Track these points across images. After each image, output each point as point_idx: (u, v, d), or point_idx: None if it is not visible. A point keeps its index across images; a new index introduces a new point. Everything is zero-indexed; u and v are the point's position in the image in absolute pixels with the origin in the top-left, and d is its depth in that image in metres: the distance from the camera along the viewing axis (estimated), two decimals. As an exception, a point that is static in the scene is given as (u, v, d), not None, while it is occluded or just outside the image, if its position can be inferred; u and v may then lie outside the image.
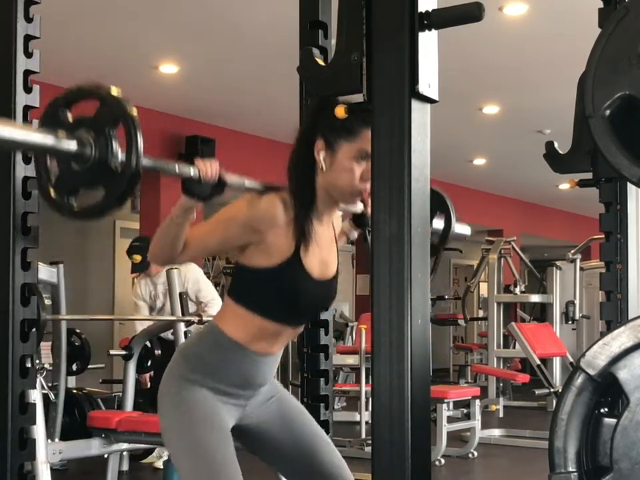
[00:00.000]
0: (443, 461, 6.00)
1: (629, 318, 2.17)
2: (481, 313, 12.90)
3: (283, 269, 2.02)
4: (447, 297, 12.69)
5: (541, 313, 10.75)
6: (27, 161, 2.47)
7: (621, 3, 2.28)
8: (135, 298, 5.83)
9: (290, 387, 7.11)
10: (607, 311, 2.52)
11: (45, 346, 4.84)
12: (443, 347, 13.39)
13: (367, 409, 6.66)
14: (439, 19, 1.50)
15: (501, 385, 8.79)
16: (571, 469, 1.39)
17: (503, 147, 9.76)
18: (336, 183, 2.03)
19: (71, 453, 4.16)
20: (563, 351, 8.05)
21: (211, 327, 2.12)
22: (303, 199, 2.03)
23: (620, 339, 1.37)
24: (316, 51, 1.62)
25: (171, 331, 5.09)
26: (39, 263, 2.88)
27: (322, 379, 2.95)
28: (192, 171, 2.02)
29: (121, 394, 5.00)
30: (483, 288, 11.65)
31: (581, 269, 8.80)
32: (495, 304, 9.13)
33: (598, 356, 1.38)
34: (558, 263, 9.26)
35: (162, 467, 4.89)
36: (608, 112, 1.40)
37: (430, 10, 1.50)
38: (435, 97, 1.53)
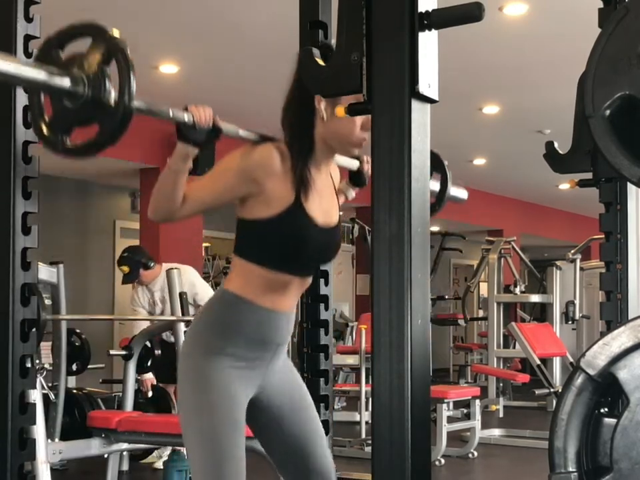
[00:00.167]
0: (442, 460, 6.00)
1: (629, 318, 2.17)
2: (481, 313, 12.90)
3: (285, 217, 2.02)
4: (447, 296, 12.69)
5: (541, 313, 10.75)
6: (26, 160, 2.47)
7: (621, 3, 2.28)
8: (134, 306, 5.83)
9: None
10: (607, 311, 2.52)
11: (45, 346, 4.84)
12: (443, 347, 13.40)
13: (367, 409, 6.66)
14: (439, 19, 1.50)
15: (501, 385, 8.79)
16: (570, 469, 1.39)
17: (503, 146, 9.76)
18: (337, 131, 2.04)
19: (71, 452, 4.16)
20: (563, 351, 8.05)
21: (220, 290, 2.12)
22: (302, 148, 2.05)
23: (620, 339, 1.37)
24: (316, 51, 1.61)
25: (171, 332, 5.09)
26: (39, 263, 2.88)
27: (322, 379, 2.95)
28: (186, 117, 2.02)
29: (121, 394, 5.00)
30: (483, 288, 11.65)
31: (581, 268, 8.80)
32: (495, 304, 9.13)
33: (598, 356, 1.38)
34: (558, 262, 9.26)
35: (162, 467, 4.89)
36: (608, 112, 1.40)
37: (430, 10, 1.50)
38: (435, 97, 1.53)
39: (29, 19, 2.46)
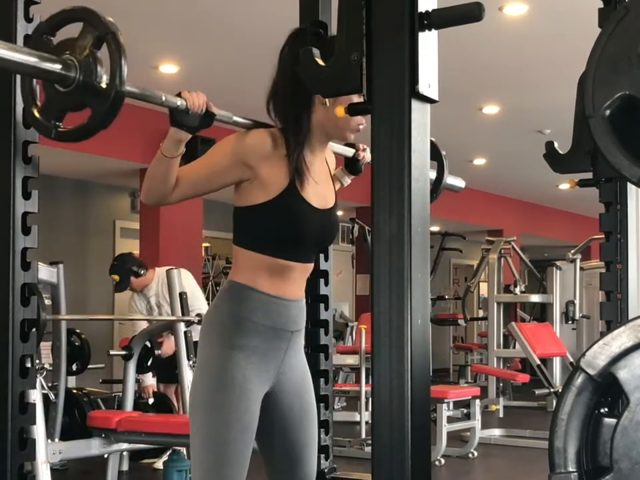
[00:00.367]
0: (443, 460, 6.00)
1: (629, 318, 2.17)
2: (481, 313, 12.91)
3: (280, 200, 2.03)
4: (447, 297, 12.70)
5: (541, 313, 10.75)
6: (26, 160, 2.47)
7: (621, 3, 2.28)
8: (132, 313, 5.85)
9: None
10: (607, 310, 2.52)
11: (45, 346, 4.83)
12: (443, 347, 13.39)
13: (367, 409, 6.66)
14: (439, 19, 1.50)
15: (501, 385, 8.78)
16: (570, 469, 1.39)
17: (503, 146, 9.76)
18: (336, 117, 2.03)
19: (71, 452, 4.16)
20: (563, 351, 8.05)
21: (227, 283, 2.12)
22: (298, 133, 2.06)
23: (620, 338, 1.37)
24: (316, 51, 1.61)
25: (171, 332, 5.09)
26: (39, 263, 2.87)
27: (322, 379, 2.95)
28: (178, 102, 2.02)
29: (121, 394, 5.00)
30: (483, 288, 11.65)
31: (581, 268, 8.79)
32: (495, 304, 9.13)
33: (598, 356, 1.38)
34: (558, 263, 9.26)
35: (162, 467, 4.89)
36: (608, 112, 1.40)
37: (430, 10, 1.50)
38: (435, 97, 1.53)
39: (28, 19, 2.46)
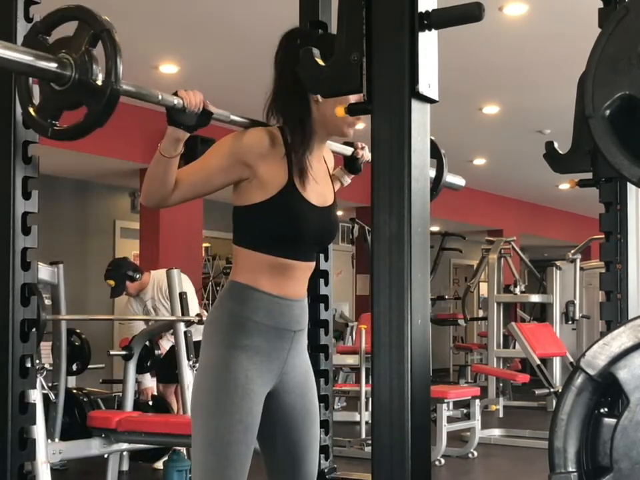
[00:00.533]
0: (442, 460, 6.00)
1: (629, 318, 2.17)
2: (481, 313, 12.91)
3: (279, 199, 2.03)
4: (447, 297, 12.70)
5: (541, 313, 10.75)
6: (26, 160, 2.47)
7: (621, 3, 2.28)
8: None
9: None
10: (607, 310, 2.52)
11: (45, 346, 4.83)
12: (443, 347, 13.39)
13: (367, 409, 6.66)
14: (439, 19, 1.50)
15: (501, 385, 8.78)
16: (570, 469, 1.39)
17: (503, 146, 9.76)
18: (333, 112, 2.01)
19: (71, 452, 4.16)
20: (563, 351, 8.05)
21: (228, 283, 2.11)
22: (304, 133, 2.06)
23: (620, 339, 1.37)
24: (316, 51, 1.61)
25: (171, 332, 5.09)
26: (39, 263, 2.87)
27: (322, 379, 2.95)
28: (175, 101, 2.01)
29: (120, 394, 5.00)
30: (483, 288, 11.65)
31: (581, 268, 8.80)
32: (495, 304, 9.13)
33: (598, 356, 1.38)
34: (558, 263, 9.26)
35: (162, 467, 4.89)
36: (608, 112, 1.40)
37: (430, 10, 1.50)
38: (435, 97, 1.53)
39: (28, 19, 2.46)
